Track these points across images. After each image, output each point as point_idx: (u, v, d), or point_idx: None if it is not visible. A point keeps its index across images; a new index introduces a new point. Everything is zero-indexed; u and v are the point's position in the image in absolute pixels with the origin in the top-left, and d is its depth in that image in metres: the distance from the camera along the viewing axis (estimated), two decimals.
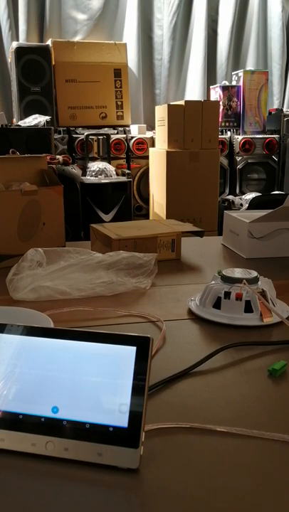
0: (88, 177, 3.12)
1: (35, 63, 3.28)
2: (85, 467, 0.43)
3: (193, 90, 3.99)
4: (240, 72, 3.64)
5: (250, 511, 0.38)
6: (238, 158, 3.56)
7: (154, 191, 3.32)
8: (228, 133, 3.64)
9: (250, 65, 4.11)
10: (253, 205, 1.94)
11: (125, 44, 3.63)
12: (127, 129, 3.52)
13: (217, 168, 3.13)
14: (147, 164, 3.40)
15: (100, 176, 3.10)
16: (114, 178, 3.10)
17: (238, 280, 0.77)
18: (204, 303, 0.79)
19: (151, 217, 3.42)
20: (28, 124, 2.99)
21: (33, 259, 0.89)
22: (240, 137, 3.56)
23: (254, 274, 0.79)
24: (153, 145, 3.39)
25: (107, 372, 0.45)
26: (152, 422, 0.49)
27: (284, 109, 3.90)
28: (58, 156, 2.77)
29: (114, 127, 3.51)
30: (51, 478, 0.42)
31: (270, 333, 0.72)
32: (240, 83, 3.62)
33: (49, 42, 3.45)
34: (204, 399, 0.54)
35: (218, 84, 3.71)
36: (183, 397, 0.55)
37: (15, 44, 3.30)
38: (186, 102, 3.04)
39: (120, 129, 3.49)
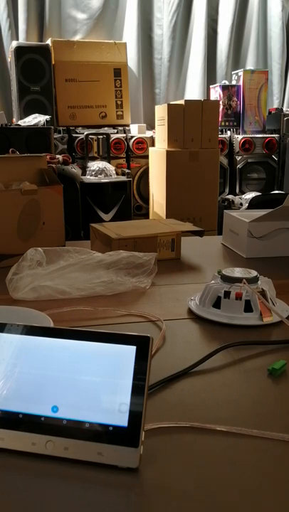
0: (88, 176, 3.12)
1: (35, 63, 3.28)
2: (84, 466, 0.43)
3: (193, 90, 3.99)
4: (240, 72, 3.64)
5: (250, 510, 0.38)
6: (238, 158, 3.56)
7: (153, 191, 3.32)
8: (228, 132, 3.64)
9: (250, 64, 4.11)
10: (253, 204, 1.94)
11: (125, 43, 3.63)
12: (127, 128, 3.52)
13: (217, 167, 3.12)
14: (147, 164, 3.40)
15: (99, 176, 3.10)
16: (114, 178, 3.10)
17: (238, 280, 0.77)
18: (204, 302, 0.79)
19: (151, 217, 3.41)
20: (27, 124, 2.99)
21: (32, 258, 0.89)
22: (240, 137, 3.56)
23: (254, 273, 0.79)
24: (153, 144, 3.39)
25: (107, 371, 0.45)
26: (152, 422, 0.49)
27: (284, 109, 3.90)
28: (57, 156, 2.77)
29: (114, 127, 3.51)
30: (51, 478, 0.42)
31: (270, 332, 0.72)
32: (240, 82, 3.62)
33: (49, 41, 3.45)
34: (204, 398, 0.54)
35: (218, 84, 3.71)
36: (183, 396, 0.55)
37: (15, 43, 3.30)
38: (186, 101, 3.04)
39: (120, 128, 3.49)
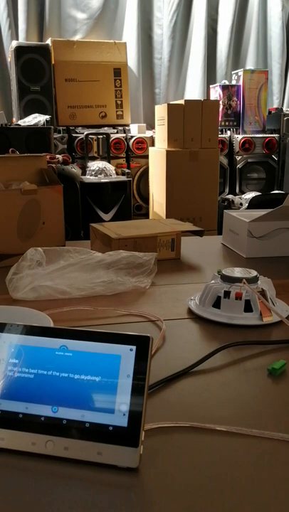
0: (88, 176, 3.12)
1: (34, 62, 3.28)
2: (84, 466, 0.43)
3: (193, 89, 3.99)
4: (240, 72, 3.64)
5: (250, 510, 0.38)
6: (238, 158, 3.56)
7: (153, 191, 3.32)
8: (228, 132, 3.64)
9: (250, 64, 4.11)
10: (253, 204, 1.94)
11: (125, 43, 3.63)
12: (127, 128, 3.52)
13: (217, 167, 3.13)
14: (147, 163, 3.40)
15: (99, 176, 3.10)
16: (114, 178, 3.09)
17: (238, 279, 0.77)
18: (204, 302, 0.79)
19: (150, 217, 3.41)
20: (27, 124, 2.99)
21: (32, 258, 0.89)
22: (240, 136, 3.56)
23: (254, 273, 0.79)
24: (153, 144, 3.39)
25: (107, 371, 0.45)
26: (152, 421, 0.49)
27: (284, 109, 3.90)
28: (57, 156, 2.76)
29: (114, 126, 3.51)
30: (51, 478, 0.42)
31: (270, 332, 0.72)
32: (240, 82, 3.62)
33: (49, 41, 3.45)
34: (204, 398, 0.54)
35: (217, 84, 3.71)
36: (182, 396, 0.55)
37: (14, 43, 3.30)
38: (185, 101, 3.04)
39: (120, 128, 3.49)
